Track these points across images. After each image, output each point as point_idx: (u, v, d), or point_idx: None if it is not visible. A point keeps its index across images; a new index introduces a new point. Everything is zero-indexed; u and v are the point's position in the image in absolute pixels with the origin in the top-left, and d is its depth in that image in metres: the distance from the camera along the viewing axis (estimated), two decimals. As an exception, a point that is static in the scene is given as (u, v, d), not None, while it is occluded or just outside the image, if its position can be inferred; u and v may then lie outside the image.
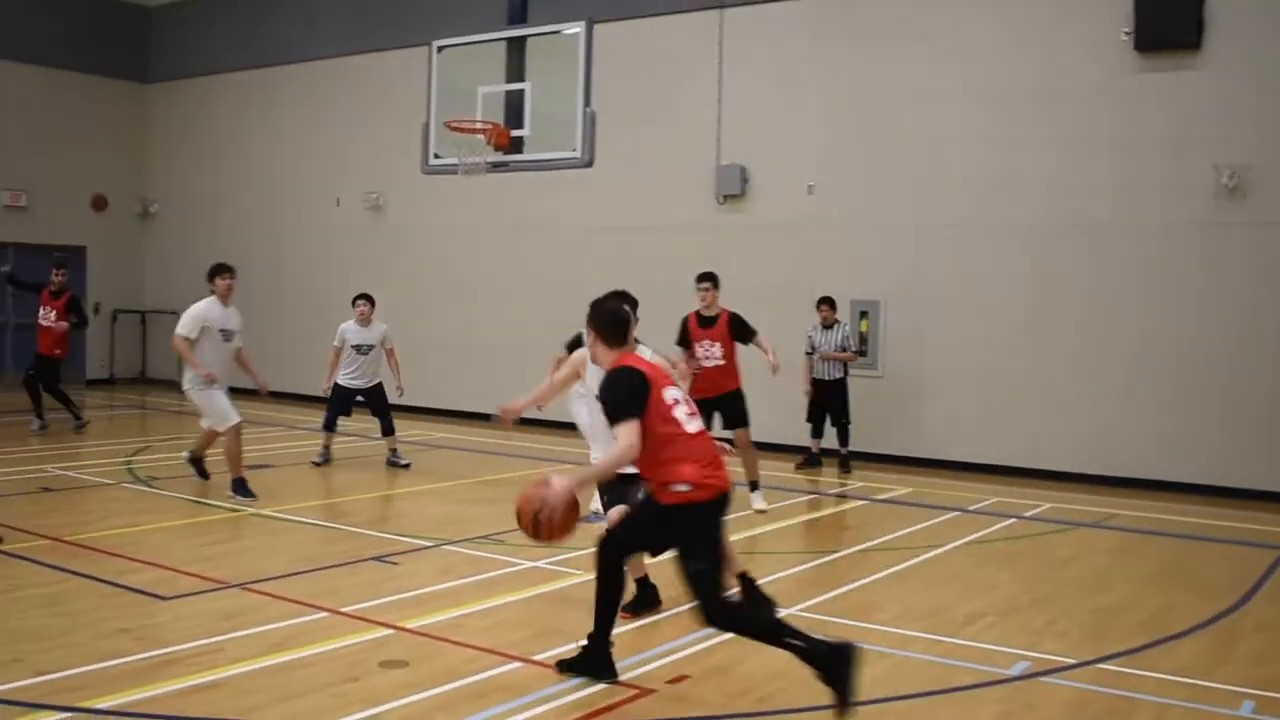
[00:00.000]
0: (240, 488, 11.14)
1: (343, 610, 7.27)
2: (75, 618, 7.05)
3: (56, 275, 15.97)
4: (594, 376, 7.12)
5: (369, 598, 7.58)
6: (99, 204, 23.20)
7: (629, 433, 5.66)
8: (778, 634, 5.63)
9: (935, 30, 14.80)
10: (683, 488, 5.71)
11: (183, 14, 23.35)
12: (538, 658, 6.43)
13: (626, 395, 5.78)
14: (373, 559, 8.80)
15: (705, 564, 5.69)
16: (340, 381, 13.49)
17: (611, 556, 6.08)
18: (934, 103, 14.76)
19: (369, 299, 13.30)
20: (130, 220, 23.77)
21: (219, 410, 11.11)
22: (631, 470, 6.34)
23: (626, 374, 5.88)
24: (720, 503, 5.84)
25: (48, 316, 15.82)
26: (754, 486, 11.45)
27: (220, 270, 11.18)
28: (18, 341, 21.74)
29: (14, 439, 15.12)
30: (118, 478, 12.36)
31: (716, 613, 5.67)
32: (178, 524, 10.04)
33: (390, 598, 7.65)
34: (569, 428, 15.45)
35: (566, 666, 6.19)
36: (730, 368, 11.47)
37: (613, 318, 6.19)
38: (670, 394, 5.89)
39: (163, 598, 7.54)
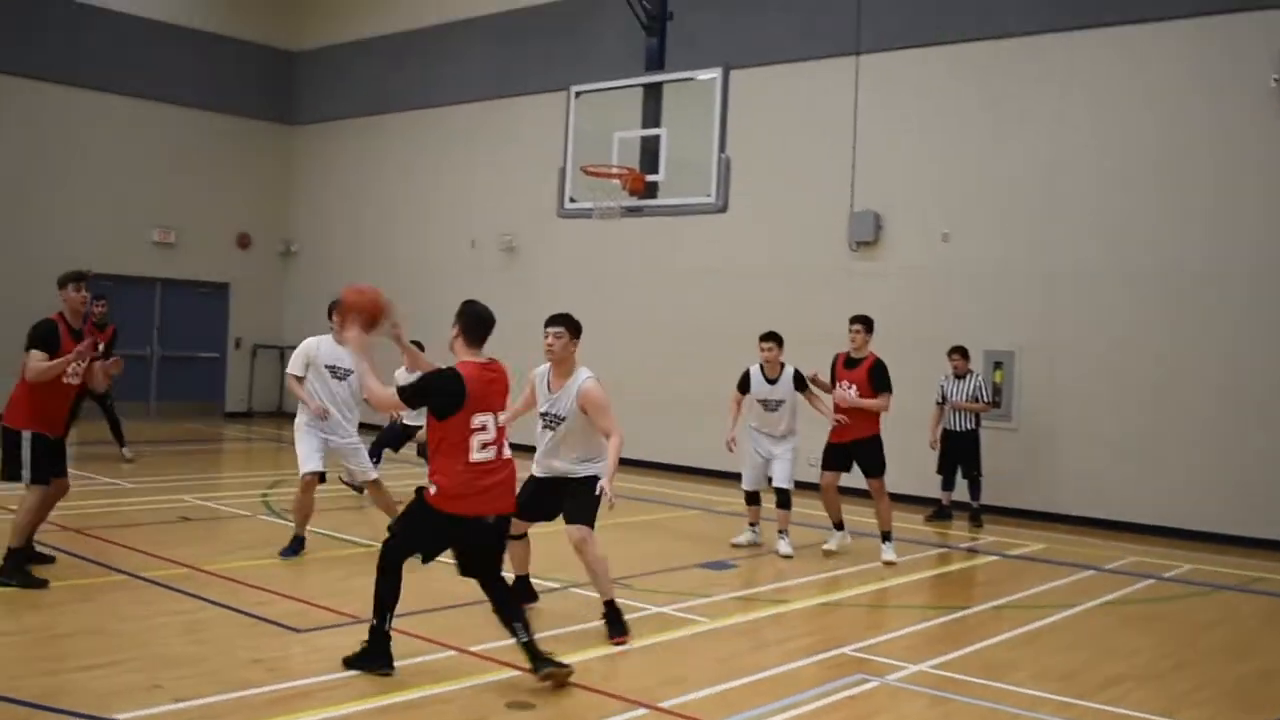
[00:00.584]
0: (293, 547, 10.26)
1: (470, 649, 7.32)
2: (211, 646, 7.20)
3: (97, 307, 15.68)
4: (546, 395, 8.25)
5: (496, 638, 7.58)
6: (243, 242, 23.88)
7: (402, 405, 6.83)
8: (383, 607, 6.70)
9: (1069, 76, 14.58)
10: (433, 489, 6.61)
11: (325, 59, 24.01)
12: (664, 704, 6.39)
13: (437, 394, 6.62)
14: (500, 599, 8.84)
15: (400, 537, 6.78)
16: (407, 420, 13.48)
17: (393, 557, 6.70)
18: (1069, 149, 14.52)
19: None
20: (272, 258, 24.41)
21: (300, 454, 10.37)
22: (587, 472, 7.95)
23: (453, 378, 6.62)
24: (455, 521, 6.64)
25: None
26: (885, 537, 11.32)
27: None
28: (163, 373, 22.46)
29: (154, 469, 15.55)
30: (254, 510, 12.63)
31: (383, 554, 6.72)
32: (312, 557, 10.19)
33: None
34: (698, 472, 15.46)
35: (350, 662, 6.76)
36: (867, 412, 11.32)
37: (479, 319, 6.89)
38: (479, 419, 6.63)
39: (296, 630, 7.66)
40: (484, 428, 6.63)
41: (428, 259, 21.48)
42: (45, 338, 8.57)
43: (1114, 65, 14.34)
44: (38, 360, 8.48)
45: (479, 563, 6.86)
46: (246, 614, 7.98)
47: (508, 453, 6.80)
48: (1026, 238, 14.80)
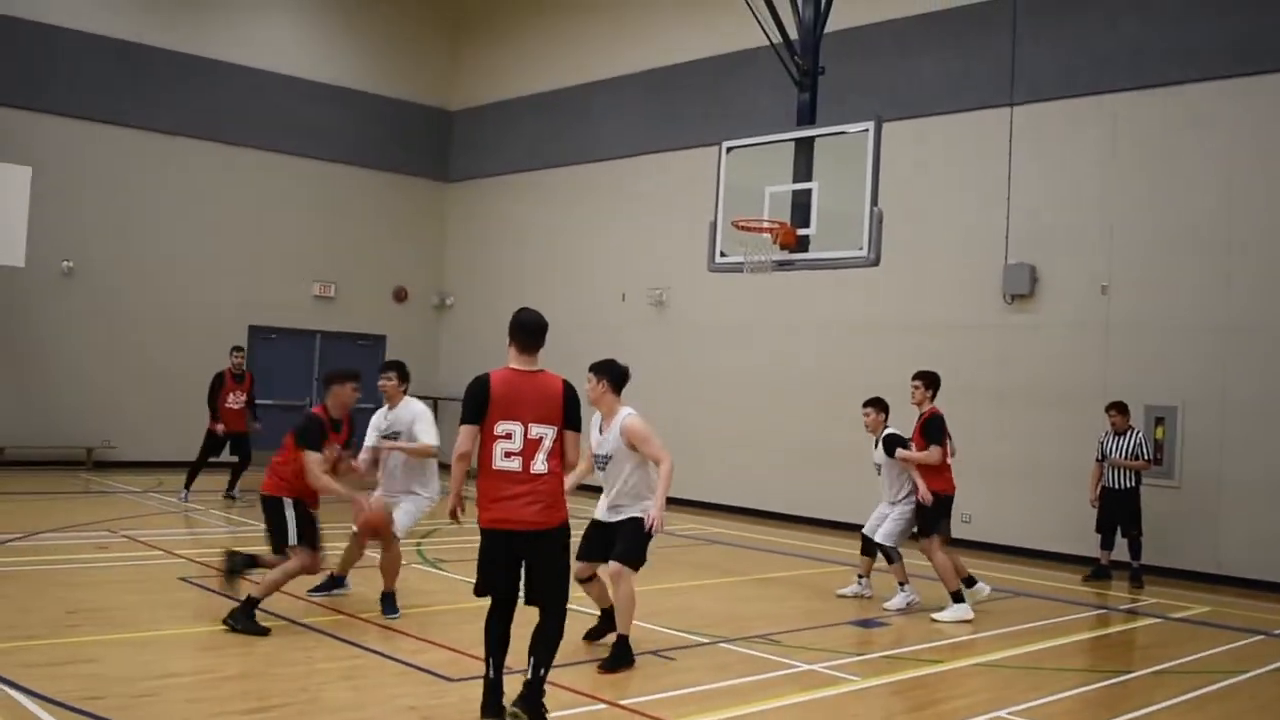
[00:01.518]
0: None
1: (621, 703, 7.33)
2: (368, 693, 7.34)
3: (235, 357, 17.56)
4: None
5: (647, 692, 7.62)
6: (400, 296, 24.45)
7: (460, 436, 6.63)
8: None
9: (1235, 124, 14.20)
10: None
11: (480, 117, 24.55)
12: (815, 764, 6.33)
13: (465, 400, 6.64)
14: (650, 653, 8.85)
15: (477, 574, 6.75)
16: None
17: (480, 596, 6.74)
18: (1239, 198, 14.11)
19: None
20: (427, 311, 24.94)
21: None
22: (639, 511, 8.32)
23: (478, 381, 6.64)
24: (486, 535, 6.64)
25: (239, 400, 17.34)
26: (955, 598, 10.88)
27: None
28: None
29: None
30: (408, 559, 12.83)
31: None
32: (465, 606, 10.30)
33: (667, 693, 7.67)
34: (846, 527, 15.30)
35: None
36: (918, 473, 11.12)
37: (520, 325, 6.77)
38: (503, 426, 6.56)
39: (449, 679, 7.76)
40: (508, 436, 6.52)
41: (579, 312, 21.71)
42: (314, 437, 9.10)
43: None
44: (314, 463, 8.98)
45: (531, 585, 6.66)
46: (402, 662, 8.11)
47: (540, 467, 6.55)
48: (1192, 289, 14.39)
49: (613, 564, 8.39)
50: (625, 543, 8.42)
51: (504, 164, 23.92)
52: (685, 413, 19.00)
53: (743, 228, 12.06)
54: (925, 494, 10.95)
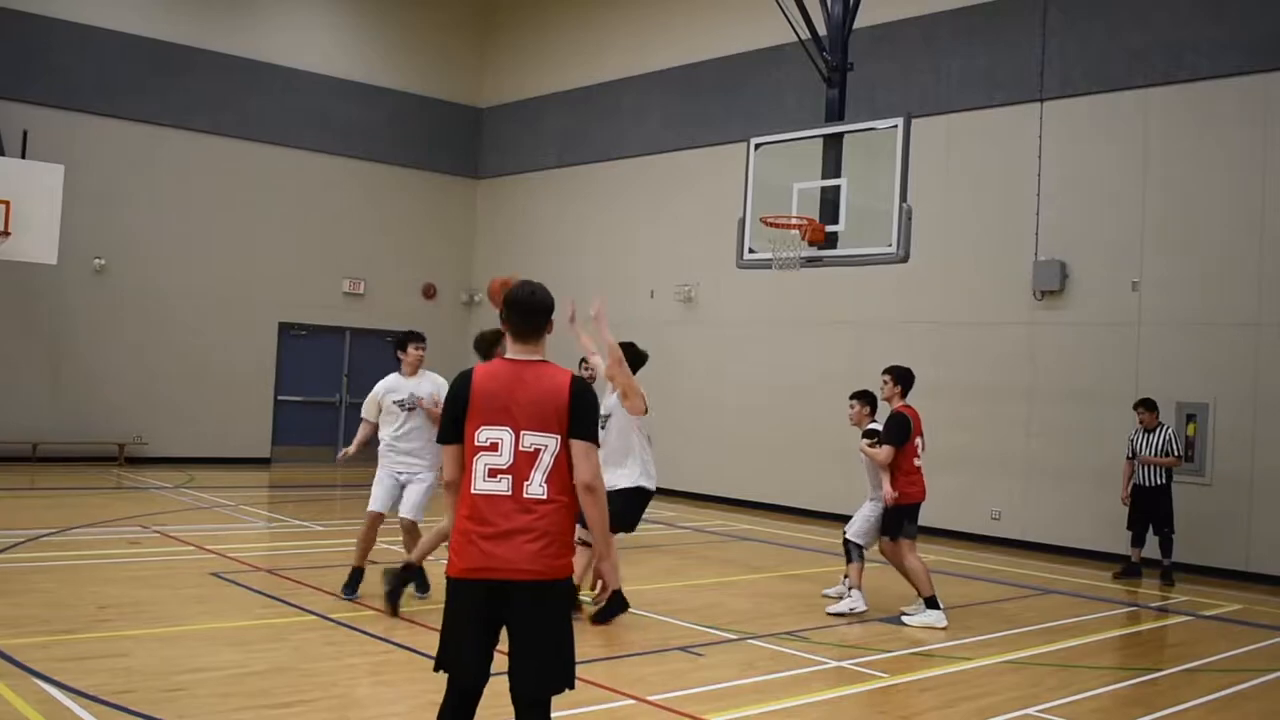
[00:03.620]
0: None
1: (649, 699, 7.33)
2: (397, 688, 7.39)
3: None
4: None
5: (675, 688, 7.62)
6: (429, 293, 24.52)
7: (444, 460, 5.02)
8: None
9: (1270, 118, 14.08)
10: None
11: (509, 114, 24.60)
12: (843, 761, 6.32)
13: (446, 406, 5.07)
14: (678, 649, 8.86)
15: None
16: None
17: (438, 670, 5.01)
18: (1269, 191, 13.99)
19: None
20: (456, 308, 25.00)
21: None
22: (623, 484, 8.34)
23: (458, 378, 5.06)
24: (463, 588, 4.83)
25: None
26: (929, 604, 10.43)
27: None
28: (350, 418, 23.14)
29: (343, 512, 15.98)
30: (438, 554, 12.86)
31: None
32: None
33: (696, 689, 7.67)
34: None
35: None
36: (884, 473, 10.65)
37: (513, 303, 5.07)
38: (486, 434, 4.84)
39: (478, 674, 7.78)
40: (493, 447, 4.80)
41: (608, 309, 21.71)
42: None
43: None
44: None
45: (515, 666, 4.77)
46: (430, 657, 8.11)
47: (538, 490, 4.77)
48: (1226, 285, 14.29)
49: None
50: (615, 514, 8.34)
51: (533, 161, 23.96)
52: (714, 409, 19.01)
53: (771, 224, 12.05)
54: (888, 493, 10.49)
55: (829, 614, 10.54)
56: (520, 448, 4.77)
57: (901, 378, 10.96)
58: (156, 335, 20.89)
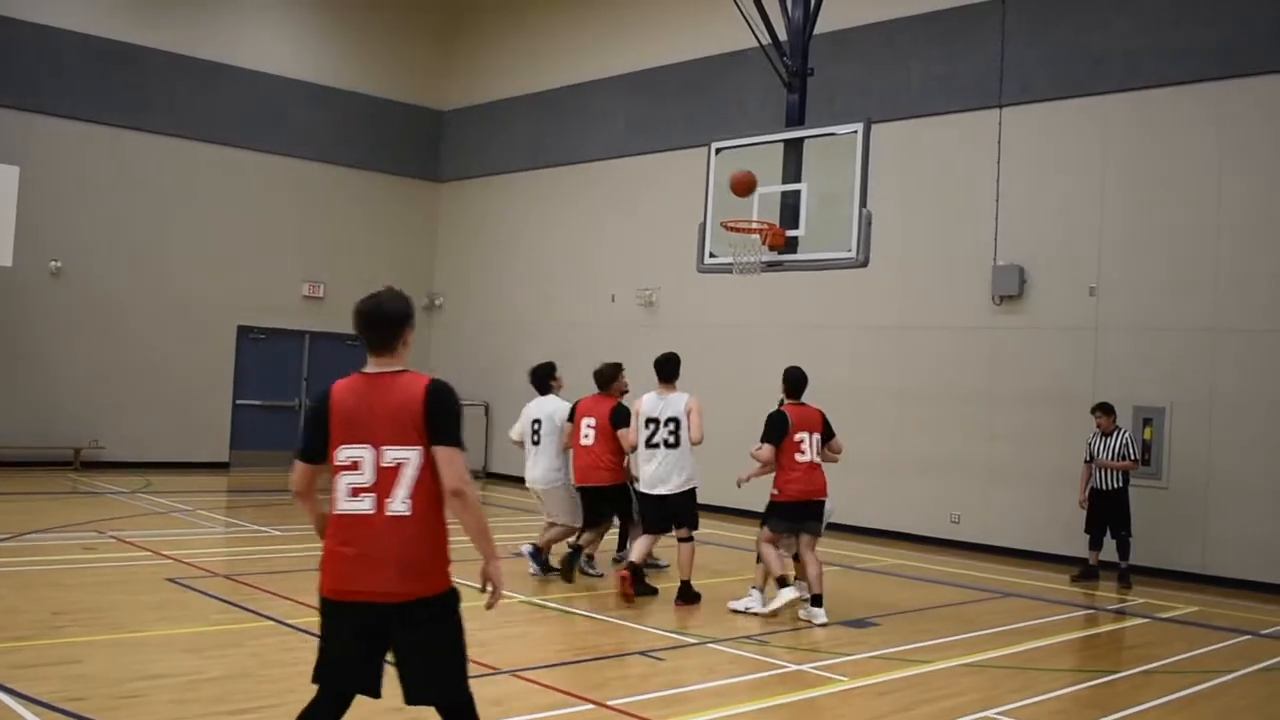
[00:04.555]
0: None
1: (609, 704, 7.31)
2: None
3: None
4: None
5: (635, 692, 7.61)
6: (389, 296, 24.37)
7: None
8: None
9: (1225, 125, 14.22)
10: None
11: (470, 118, 24.55)
12: (802, 764, 6.32)
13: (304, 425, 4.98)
14: (638, 653, 8.85)
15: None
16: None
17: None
18: (1230, 200, 14.12)
19: None
20: (418, 312, 24.82)
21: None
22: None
23: (316, 398, 4.94)
24: (334, 610, 4.79)
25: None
26: (779, 583, 10.53)
27: None
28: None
29: (302, 517, 15.86)
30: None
31: None
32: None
33: (656, 694, 7.66)
34: (829, 527, 15.29)
35: None
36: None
37: (357, 314, 4.82)
38: (347, 453, 4.73)
39: (437, 680, 7.74)
40: (354, 465, 4.67)
41: (569, 313, 21.73)
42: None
43: (1272, 113, 13.96)
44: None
45: (410, 682, 4.74)
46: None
47: (403, 508, 4.62)
48: (1182, 290, 14.41)
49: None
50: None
51: (494, 165, 23.91)
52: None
53: (732, 228, 12.06)
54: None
55: (731, 606, 10.69)
56: (382, 464, 4.63)
57: (784, 379, 11.20)
58: (114, 338, 20.70)
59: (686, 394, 11.25)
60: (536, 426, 12.16)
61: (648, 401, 11.21)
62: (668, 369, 11.35)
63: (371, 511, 4.62)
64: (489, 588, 4.84)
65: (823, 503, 10.76)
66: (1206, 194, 14.32)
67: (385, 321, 4.76)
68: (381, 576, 4.59)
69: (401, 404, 4.65)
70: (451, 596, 4.76)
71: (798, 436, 10.69)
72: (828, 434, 10.98)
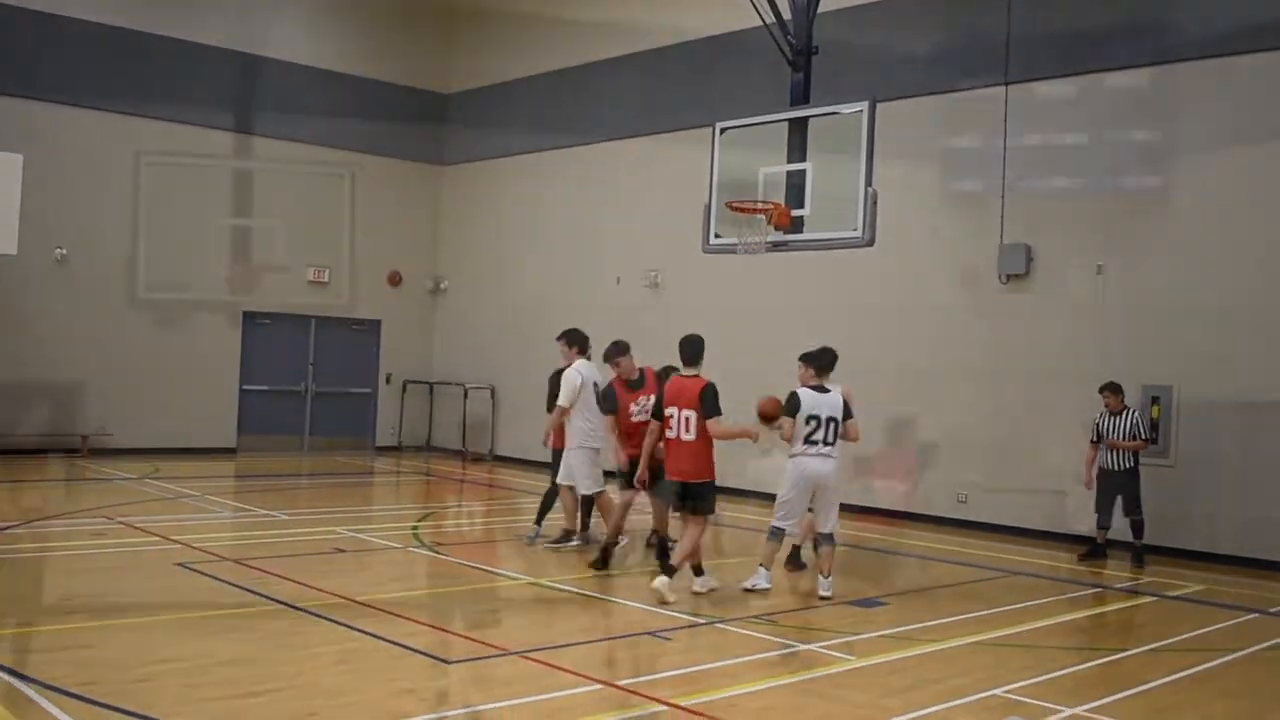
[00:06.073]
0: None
1: (617, 684, 7.33)
2: (364, 676, 7.33)
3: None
4: None
5: (644, 672, 7.63)
6: (394, 280, 24.39)
7: None
8: None
9: (1230, 99, 14.15)
10: None
11: (474, 101, 24.48)
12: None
13: None
14: (648, 633, 8.85)
15: None
16: None
17: None
18: (1242, 177, 14.03)
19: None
20: (422, 296, 24.89)
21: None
22: None
23: None
24: None
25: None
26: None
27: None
28: (316, 408, 23.04)
29: (309, 502, 15.91)
30: (404, 542, 12.85)
31: None
32: (458, 589, 10.34)
33: (665, 673, 7.67)
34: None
35: None
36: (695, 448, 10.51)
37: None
38: None
39: (445, 661, 7.77)
40: None
41: (573, 295, 21.68)
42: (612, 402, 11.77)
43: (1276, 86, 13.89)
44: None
45: None
46: (398, 644, 8.10)
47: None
48: (1192, 269, 14.32)
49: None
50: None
51: (498, 147, 23.85)
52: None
53: (737, 209, 12.04)
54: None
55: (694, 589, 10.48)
56: None
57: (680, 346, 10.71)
58: (120, 325, 20.69)
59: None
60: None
61: None
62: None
63: None
64: None
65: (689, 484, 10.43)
66: (1216, 172, 14.24)
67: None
68: None
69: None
70: None
71: (668, 411, 10.45)
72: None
